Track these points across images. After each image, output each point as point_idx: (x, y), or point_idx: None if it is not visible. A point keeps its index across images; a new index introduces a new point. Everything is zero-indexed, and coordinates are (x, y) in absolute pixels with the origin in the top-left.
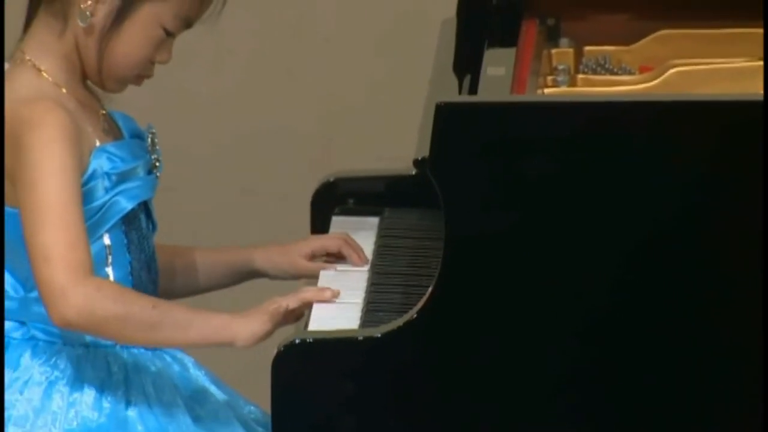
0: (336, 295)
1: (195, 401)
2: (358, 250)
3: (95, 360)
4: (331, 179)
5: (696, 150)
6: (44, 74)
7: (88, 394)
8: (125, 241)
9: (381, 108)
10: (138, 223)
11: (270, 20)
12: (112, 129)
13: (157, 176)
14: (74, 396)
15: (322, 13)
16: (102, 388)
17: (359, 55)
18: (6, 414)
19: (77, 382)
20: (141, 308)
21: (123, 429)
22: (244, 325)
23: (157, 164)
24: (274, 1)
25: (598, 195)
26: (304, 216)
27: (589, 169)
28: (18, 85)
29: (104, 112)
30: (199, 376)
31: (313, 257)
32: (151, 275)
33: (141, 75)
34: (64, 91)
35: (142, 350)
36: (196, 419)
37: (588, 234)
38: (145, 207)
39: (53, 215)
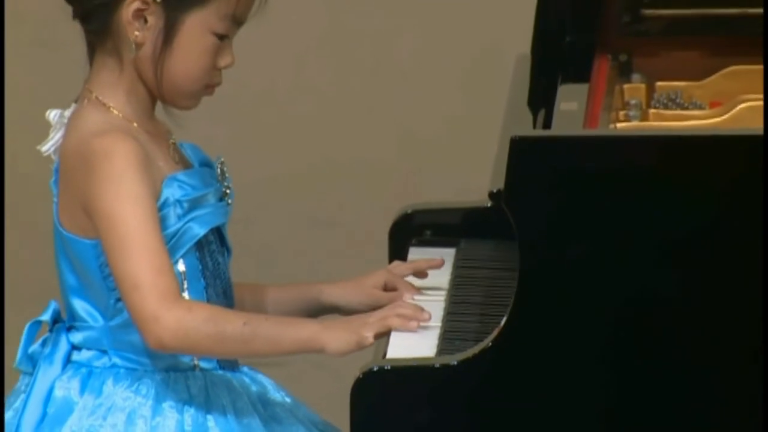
0: (425, 320)
1: (274, 420)
2: (428, 263)
3: (175, 384)
4: (409, 211)
5: (765, 182)
6: (114, 111)
7: (170, 418)
8: (200, 266)
9: (457, 142)
10: (211, 249)
11: (351, 57)
12: (182, 159)
13: (228, 203)
14: (156, 420)
15: (401, 50)
16: (183, 412)
17: (436, 90)
18: None
19: (159, 406)
20: (233, 326)
21: None
22: (333, 339)
23: (228, 192)
24: (354, 41)
25: (669, 226)
26: (382, 246)
27: (660, 202)
28: (89, 121)
29: (173, 142)
30: (277, 398)
31: (386, 288)
32: (227, 301)
33: (209, 85)
34: (135, 125)
35: (221, 372)
36: None
37: (659, 264)
38: (218, 233)
39: (136, 243)
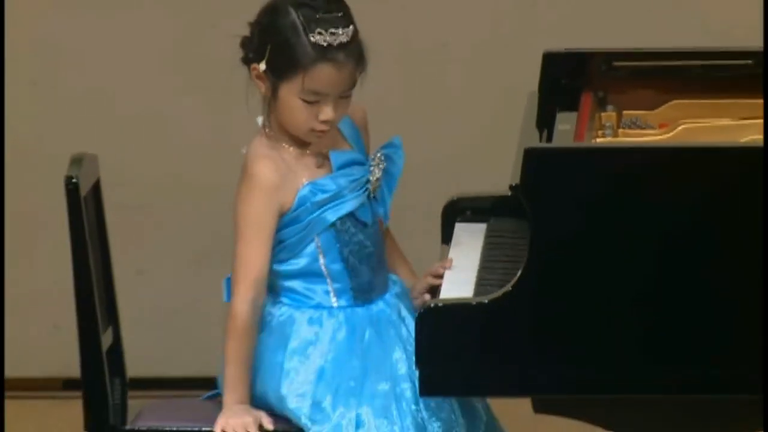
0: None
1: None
2: (441, 264)
3: (320, 318)
4: (455, 198)
5: (695, 183)
6: (275, 137)
7: (328, 328)
8: (336, 241)
9: (489, 150)
10: (347, 227)
11: (416, 91)
12: (326, 164)
13: (367, 189)
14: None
15: (450, 84)
16: (333, 336)
17: (475, 114)
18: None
19: (311, 328)
20: (227, 346)
21: (344, 361)
22: (226, 407)
23: (373, 179)
24: (417, 80)
25: (634, 212)
26: (437, 221)
27: (625, 193)
28: (256, 142)
29: (324, 152)
30: (407, 318)
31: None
32: (369, 264)
33: (314, 130)
34: (285, 146)
35: (357, 308)
36: (364, 368)
37: (629, 238)
38: (352, 215)
39: (241, 250)
